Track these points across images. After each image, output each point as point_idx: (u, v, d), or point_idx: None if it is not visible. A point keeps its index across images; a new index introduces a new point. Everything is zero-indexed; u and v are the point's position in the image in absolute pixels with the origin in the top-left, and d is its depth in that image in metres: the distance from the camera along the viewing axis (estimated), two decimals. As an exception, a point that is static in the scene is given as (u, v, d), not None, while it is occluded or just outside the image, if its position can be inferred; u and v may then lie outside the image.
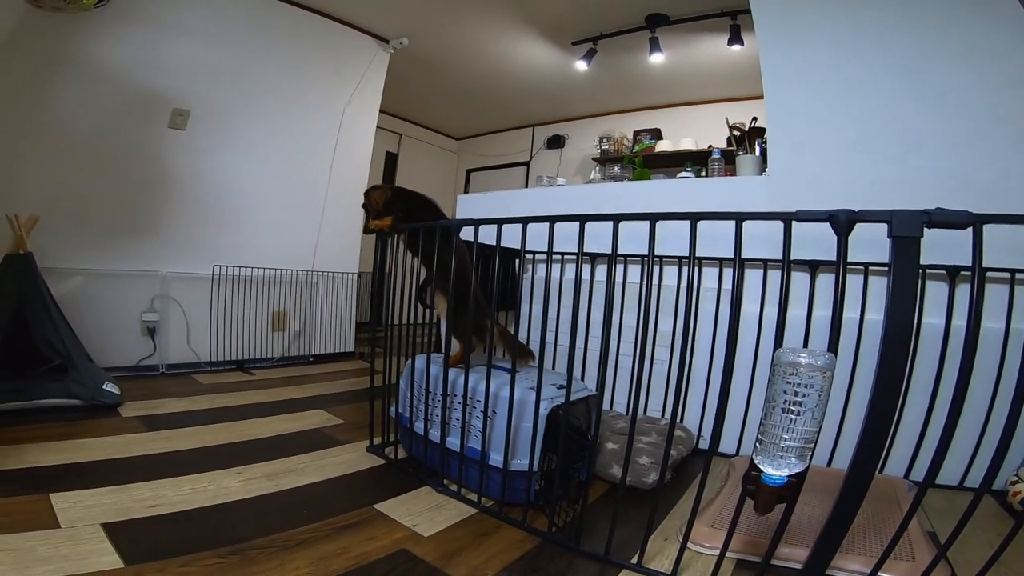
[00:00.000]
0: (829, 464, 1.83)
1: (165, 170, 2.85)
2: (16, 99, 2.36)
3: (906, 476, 1.71)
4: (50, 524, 1.18)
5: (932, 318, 1.70)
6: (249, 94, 3.15)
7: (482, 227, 1.47)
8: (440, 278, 1.60)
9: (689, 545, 1.26)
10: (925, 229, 0.85)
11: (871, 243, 1.15)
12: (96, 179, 2.62)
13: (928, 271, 1.73)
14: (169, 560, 1.07)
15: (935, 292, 1.73)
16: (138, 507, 1.30)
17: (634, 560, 1.20)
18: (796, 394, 0.87)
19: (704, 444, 2.05)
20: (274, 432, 2.01)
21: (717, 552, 1.12)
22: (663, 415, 2.15)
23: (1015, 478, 1.56)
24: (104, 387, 2.12)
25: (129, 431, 1.87)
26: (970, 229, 0.87)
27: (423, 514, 1.41)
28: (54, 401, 2.01)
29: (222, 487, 1.46)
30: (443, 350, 1.67)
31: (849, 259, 0.94)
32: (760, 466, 0.91)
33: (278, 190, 3.35)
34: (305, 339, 3.56)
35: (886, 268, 0.89)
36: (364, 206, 1.80)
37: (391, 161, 5.56)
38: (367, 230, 1.80)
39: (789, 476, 0.89)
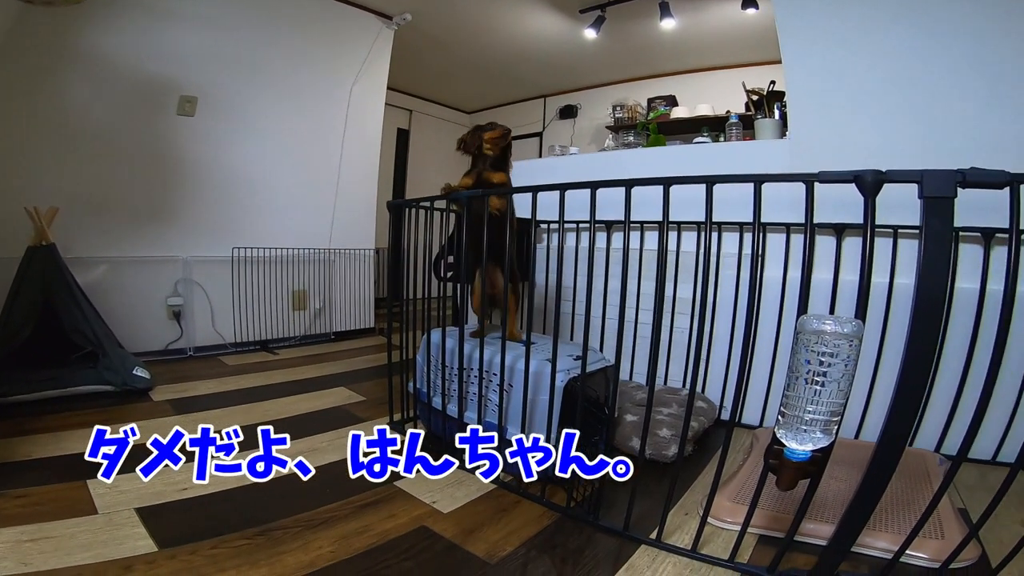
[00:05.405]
0: (857, 436, 1.79)
1: (178, 156, 2.86)
2: (25, 96, 2.37)
3: (937, 449, 1.66)
4: (88, 511, 1.22)
5: (966, 282, 1.63)
6: (254, 76, 3.12)
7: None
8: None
9: (710, 520, 1.25)
10: (959, 189, 0.79)
11: (900, 205, 1.09)
12: (112, 169, 2.64)
13: (961, 233, 1.65)
14: (200, 543, 1.11)
15: (969, 255, 1.65)
16: (170, 491, 1.34)
17: (653, 535, 1.19)
18: (821, 364, 0.83)
19: (727, 415, 2.02)
20: (298, 411, 2.05)
21: (739, 527, 1.11)
22: (684, 385, 2.12)
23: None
24: (135, 372, 2.18)
25: (160, 415, 1.93)
26: (1007, 189, 0.82)
27: (443, 490, 1.42)
28: (87, 388, 2.07)
29: (248, 468, 1.49)
30: (458, 323, 1.66)
31: (877, 222, 0.89)
32: (783, 440, 0.88)
33: (291, 170, 3.35)
34: (326, 317, 3.60)
35: (916, 231, 0.84)
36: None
37: (403, 137, 5.51)
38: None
39: (813, 451, 0.86)
